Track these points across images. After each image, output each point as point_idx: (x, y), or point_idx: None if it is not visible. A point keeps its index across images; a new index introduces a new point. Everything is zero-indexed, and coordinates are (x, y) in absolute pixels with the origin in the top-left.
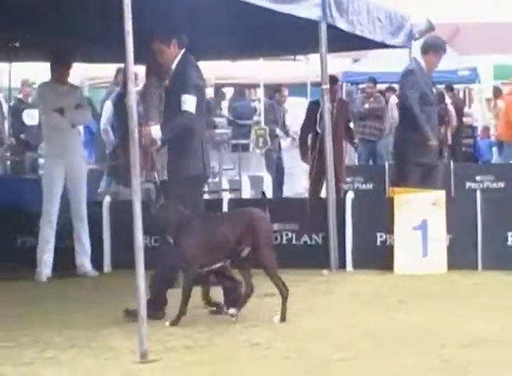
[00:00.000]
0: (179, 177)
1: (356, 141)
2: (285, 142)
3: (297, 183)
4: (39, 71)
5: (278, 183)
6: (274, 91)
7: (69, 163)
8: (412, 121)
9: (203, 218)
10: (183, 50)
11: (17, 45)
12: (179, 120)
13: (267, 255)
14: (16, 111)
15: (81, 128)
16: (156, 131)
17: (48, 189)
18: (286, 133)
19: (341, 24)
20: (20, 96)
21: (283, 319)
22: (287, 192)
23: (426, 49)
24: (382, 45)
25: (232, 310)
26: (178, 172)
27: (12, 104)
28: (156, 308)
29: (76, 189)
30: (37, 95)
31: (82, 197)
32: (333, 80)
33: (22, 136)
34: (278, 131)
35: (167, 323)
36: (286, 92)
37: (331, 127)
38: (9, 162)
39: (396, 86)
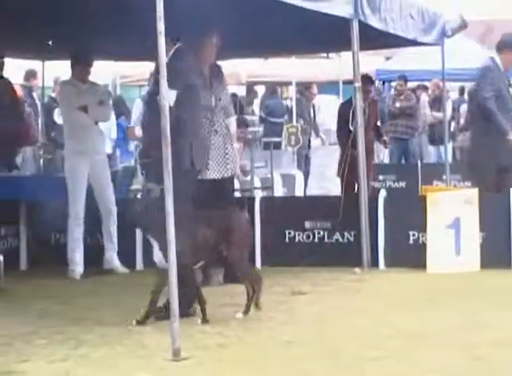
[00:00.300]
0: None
1: (386, 139)
2: (315, 141)
3: (324, 182)
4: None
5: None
6: (305, 88)
7: (92, 160)
8: (488, 120)
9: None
10: (177, 46)
11: (50, 43)
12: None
13: (237, 256)
14: (49, 109)
15: (114, 127)
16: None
17: (73, 188)
18: (316, 133)
19: (373, 22)
20: (53, 95)
21: (245, 312)
22: (313, 190)
23: (501, 47)
24: (414, 43)
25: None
26: None
27: (44, 102)
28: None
29: (101, 186)
30: (59, 92)
31: (108, 193)
32: (369, 80)
33: (52, 134)
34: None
35: (199, 321)
36: (315, 89)
37: (363, 126)
38: (41, 160)
39: (428, 84)
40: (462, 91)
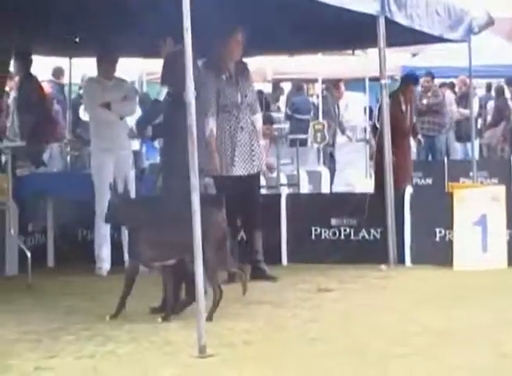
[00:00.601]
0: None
1: (420, 136)
2: (341, 138)
3: (350, 179)
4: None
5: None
6: (333, 86)
7: (117, 157)
8: None
9: (160, 213)
10: (178, 47)
11: (77, 40)
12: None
13: (207, 255)
14: (75, 106)
15: None
16: None
17: (99, 185)
18: (342, 130)
19: (399, 18)
20: (81, 92)
21: (209, 318)
22: (339, 187)
23: None
24: (440, 40)
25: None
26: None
27: (72, 99)
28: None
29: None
30: (84, 90)
31: (130, 190)
32: (415, 80)
33: (78, 131)
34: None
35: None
36: (342, 87)
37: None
38: (68, 157)
39: (455, 81)
40: (489, 87)
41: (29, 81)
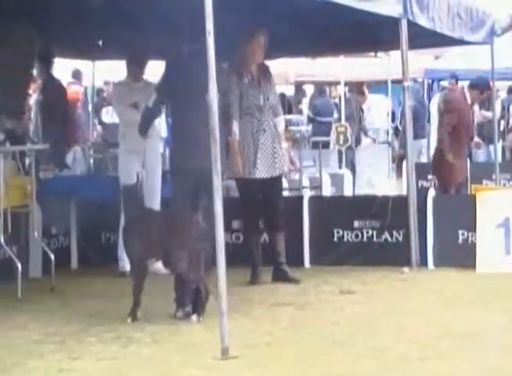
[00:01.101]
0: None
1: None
2: (365, 140)
3: (369, 181)
4: (123, 70)
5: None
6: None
7: (145, 158)
8: None
9: (147, 213)
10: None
11: (100, 43)
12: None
13: (179, 259)
14: (97, 109)
15: (164, 126)
16: None
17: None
18: (365, 133)
19: (422, 21)
20: (104, 95)
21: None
22: (362, 190)
23: None
24: (462, 42)
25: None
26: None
27: (95, 102)
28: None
29: (150, 186)
30: (112, 93)
31: (156, 194)
32: (485, 86)
33: (101, 134)
34: None
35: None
36: (366, 92)
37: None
38: (92, 160)
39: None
40: (511, 90)
41: (52, 84)
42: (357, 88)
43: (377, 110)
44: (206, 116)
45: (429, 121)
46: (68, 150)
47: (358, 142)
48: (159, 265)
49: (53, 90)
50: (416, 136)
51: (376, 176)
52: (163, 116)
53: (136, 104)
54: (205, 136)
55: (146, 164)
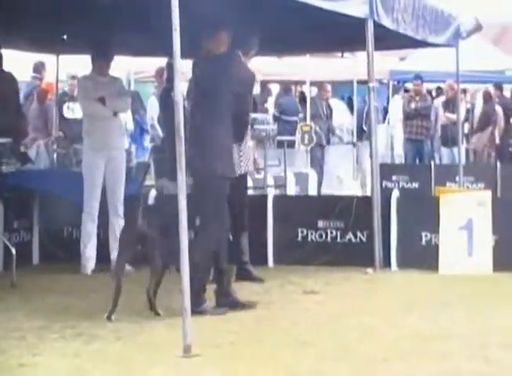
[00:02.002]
0: None
1: None
2: (331, 139)
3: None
4: (87, 64)
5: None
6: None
7: (109, 156)
8: None
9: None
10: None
11: (65, 37)
12: None
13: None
14: (61, 104)
15: (130, 120)
16: None
17: (89, 182)
18: (332, 132)
19: (386, 22)
20: (66, 89)
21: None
22: (327, 189)
23: None
24: (428, 44)
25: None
26: None
27: (57, 97)
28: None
29: (114, 184)
30: (78, 87)
31: (120, 191)
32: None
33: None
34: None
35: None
36: (328, 87)
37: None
38: (55, 154)
39: (442, 85)
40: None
41: (2, 78)
42: (320, 88)
43: (341, 110)
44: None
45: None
46: (31, 144)
47: (328, 141)
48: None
49: (4, 83)
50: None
51: (342, 176)
52: (129, 110)
53: (103, 99)
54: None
55: (110, 161)
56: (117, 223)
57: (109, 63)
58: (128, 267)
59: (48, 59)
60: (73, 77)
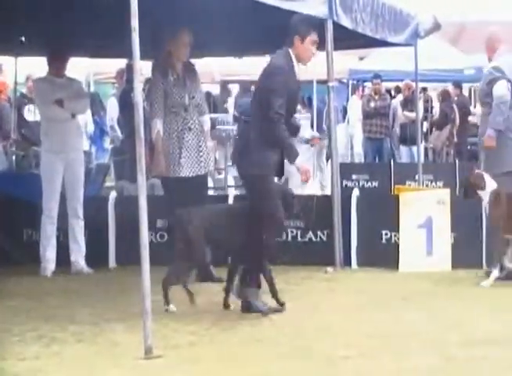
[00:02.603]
0: None
1: None
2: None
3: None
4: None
5: None
6: None
7: (67, 158)
8: None
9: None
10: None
11: (23, 39)
12: None
13: None
14: (19, 106)
15: (90, 121)
16: None
17: (48, 185)
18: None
19: (345, 22)
20: (24, 91)
21: None
22: None
23: None
24: (386, 43)
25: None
26: None
27: (16, 99)
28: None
29: (73, 185)
30: (34, 89)
31: (79, 193)
32: None
33: (23, 131)
34: None
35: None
36: None
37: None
38: (14, 157)
39: (401, 84)
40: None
41: None
42: None
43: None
44: None
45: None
46: None
47: None
48: (82, 264)
49: None
50: None
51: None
52: (88, 111)
53: (61, 101)
54: None
55: (68, 163)
56: (77, 225)
57: (66, 64)
58: (86, 268)
59: (6, 60)
60: (30, 78)
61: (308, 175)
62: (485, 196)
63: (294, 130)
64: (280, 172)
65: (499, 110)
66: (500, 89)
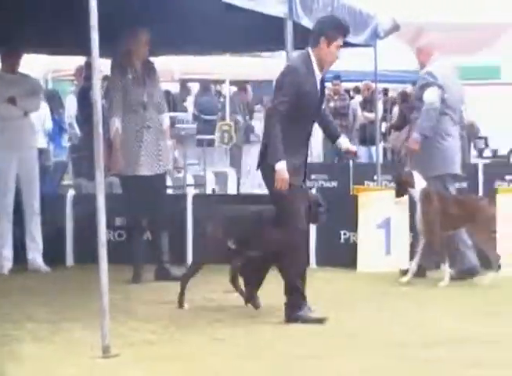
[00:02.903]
0: None
1: None
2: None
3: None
4: None
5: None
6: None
7: (21, 155)
8: None
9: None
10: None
11: None
12: None
13: None
14: None
15: (48, 119)
16: None
17: (3, 183)
18: (251, 130)
19: (306, 22)
20: None
21: None
22: (248, 188)
23: None
24: (345, 44)
25: None
26: None
27: None
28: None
29: (28, 183)
30: None
31: (35, 189)
32: None
33: None
34: None
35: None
36: (249, 90)
37: None
38: None
39: (360, 85)
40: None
41: None
42: (239, 89)
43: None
44: None
45: None
46: None
47: (248, 140)
48: (39, 262)
49: None
50: None
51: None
52: (47, 108)
53: (14, 99)
54: None
55: (22, 160)
56: (33, 221)
57: (19, 60)
58: (44, 266)
59: None
60: None
61: (284, 185)
62: (416, 194)
63: (332, 137)
64: (301, 178)
65: (427, 116)
66: (431, 95)
